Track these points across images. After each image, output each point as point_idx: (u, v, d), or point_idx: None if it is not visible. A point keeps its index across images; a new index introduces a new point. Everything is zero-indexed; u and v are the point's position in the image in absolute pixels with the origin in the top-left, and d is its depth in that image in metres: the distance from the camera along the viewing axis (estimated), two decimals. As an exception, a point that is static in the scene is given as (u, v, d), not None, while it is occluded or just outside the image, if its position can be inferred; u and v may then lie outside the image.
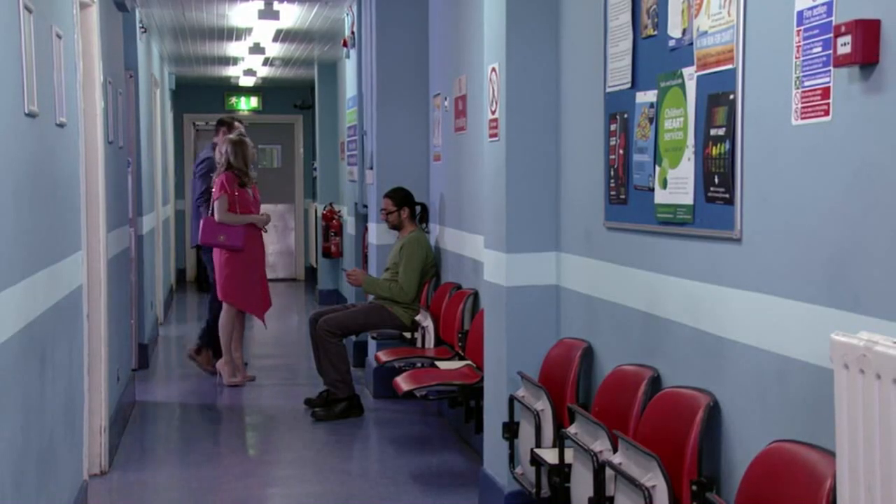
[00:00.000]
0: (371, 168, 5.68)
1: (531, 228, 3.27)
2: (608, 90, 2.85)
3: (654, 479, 2.18)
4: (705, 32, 2.29)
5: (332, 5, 6.70)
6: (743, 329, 2.17)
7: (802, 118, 1.94)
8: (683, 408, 2.29)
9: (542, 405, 2.93)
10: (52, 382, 3.01)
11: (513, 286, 3.28)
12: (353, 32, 6.35)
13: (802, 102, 1.94)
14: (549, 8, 3.25)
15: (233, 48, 8.77)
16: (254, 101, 12.09)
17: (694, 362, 2.40)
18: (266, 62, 9.65)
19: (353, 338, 5.79)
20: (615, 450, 2.41)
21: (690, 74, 2.37)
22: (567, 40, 3.21)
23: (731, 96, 2.19)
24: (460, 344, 4.36)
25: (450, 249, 4.92)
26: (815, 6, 1.89)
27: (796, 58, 1.95)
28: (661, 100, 2.52)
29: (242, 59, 9.44)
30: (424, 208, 5.28)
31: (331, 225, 9.10)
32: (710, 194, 2.29)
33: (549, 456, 2.80)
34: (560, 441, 2.74)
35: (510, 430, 3.14)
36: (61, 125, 3.26)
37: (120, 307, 4.88)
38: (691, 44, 2.36)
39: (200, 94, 11.78)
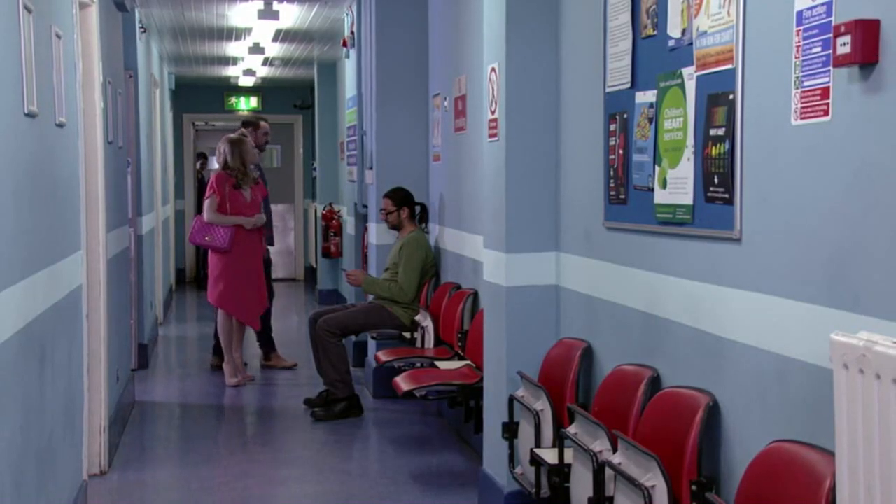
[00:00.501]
0: (371, 168, 5.68)
1: (531, 228, 3.27)
2: (608, 90, 2.85)
3: (654, 479, 2.18)
4: (705, 32, 2.29)
5: (331, 5, 6.70)
6: (743, 329, 2.17)
7: (802, 118, 1.94)
8: (683, 408, 2.29)
9: (542, 405, 2.93)
10: (52, 382, 3.01)
11: (512, 286, 3.28)
12: (352, 32, 6.35)
13: (802, 102, 1.94)
14: (549, 8, 3.25)
15: (232, 48, 8.77)
16: (253, 101, 12.09)
17: (693, 362, 2.40)
18: (266, 62, 9.65)
19: (353, 338, 5.79)
20: (615, 450, 2.41)
21: (690, 74, 2.37)
22: (567, 40, 3.21)
23: (731, 96, 2.19)
24: (460, 344, 4.36)
25: (449, 249, 4.92)
26: (815, 6, 1.89)
27: (796, 58, 1.95)
28: (660, 100, 2.52)
29: (242, 59, 9.44)
30: (424, 208, 5.28)
31: (330, 225, 9.10)
32: (709, 194, 2.29)
33: (549, 456, 2.80)
34: (560, 441, 2.74)
35: (510, 430, 3.14)
36: (61, 125, 3.26)
37: (119, 307, 4.88)
38: (691, 44, 2.36)
39: (200, 94, 11.78)
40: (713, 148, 2.26)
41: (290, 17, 7.12)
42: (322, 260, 9.36)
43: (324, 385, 5.06)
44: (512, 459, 3.17)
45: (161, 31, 7.80)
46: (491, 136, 3.43)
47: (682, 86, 2.41)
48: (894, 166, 1.71)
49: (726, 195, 2.22)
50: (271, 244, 6.30)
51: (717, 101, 2.24)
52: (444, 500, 3.75)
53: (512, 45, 3.25)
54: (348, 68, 6.89)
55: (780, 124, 2.01)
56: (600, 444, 2.49)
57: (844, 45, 1.76)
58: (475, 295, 4.37)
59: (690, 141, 2.37)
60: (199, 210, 10.17)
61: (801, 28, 1.93)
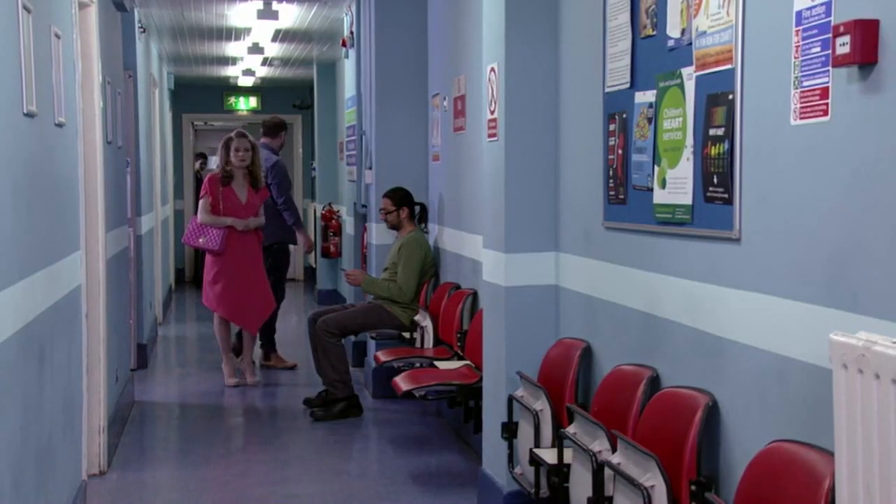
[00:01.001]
0: (370, 168, 5.68)
1: (530, 228, 3.27)
2: (607, 90, 2.85)
3: (653, 479, 2.18)
4: (704, 32, 2.30)
5: (330, 5, 6.70)
6: (742, 329, 2.17)
7: (801, 118, 1.94)
8: (682, 408, 2.29)
9: (541, 405, 2.93)
10: (51, 382, 3.01)
11: (512, 286, 3.28)
12: (352, 32, 6.35)
13: (801, 102, 1.94)
14: (549, 8, 3.25)
15: (232, 48, 8.77)
16: (253, 101, 12.09)
17: (693, 362, 2.40)
18: (265, 62, 9.64)
19: (352, 338, 5.79)
20: (614, 450, 2.41)
21: (689, 74, 2.37)
22: (566, 40, 3.21)
23: (730, 96, 2.19)
24: (459, 344, 4.36)
25: (449, 249, 4.92)
26: (814, 6, 1.89)
27: (795, 58, 1.95)
28: (659, 100, 2.52)
29: (241, 58, 9.43)
30: (423, 208, 5.28)
31: (330, 225, 9.09)
32: (708, 194, 2.29)
33: (548, 456, 2.80)
34: (559, 441, 2.74)
35: (509, 430, 3.14)
36: (60, 125, 3.25)
37: (119, 307, 4.88)
38: (690, 44, 2.36)
39: (199, 94, 11.78)
40: (712, 148, 2.27)
41: (290, 17, 7.12)
42: (321, 260, 9.36)
43: (323, 385, 5.06)
44: (511, 459, 3.17)
45: (160, 30, 7.79)
46: (490, 136, 3.43)
47: (681, 86, 2.41)
48: (893, 166, 1.71)
49: (725, 195, 2.22)
50: (293, 243, 6.31)
51: (717, 101, 2.24)
52: (443, 500, 3.75)
53: (511, 45, 3.25)
54: (347, 68, 6.89)
55: (779, 124, 2.01)
56: (599, 444, 2.49)
57: (844, 45, 1.76)
58: (474, 295, 4.37)
59: (690, 141, 2.37)
60: (197, 210, 10.16)
61: (801, 28, 1.93)
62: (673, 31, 2.46)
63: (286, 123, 6.53)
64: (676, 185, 2.44)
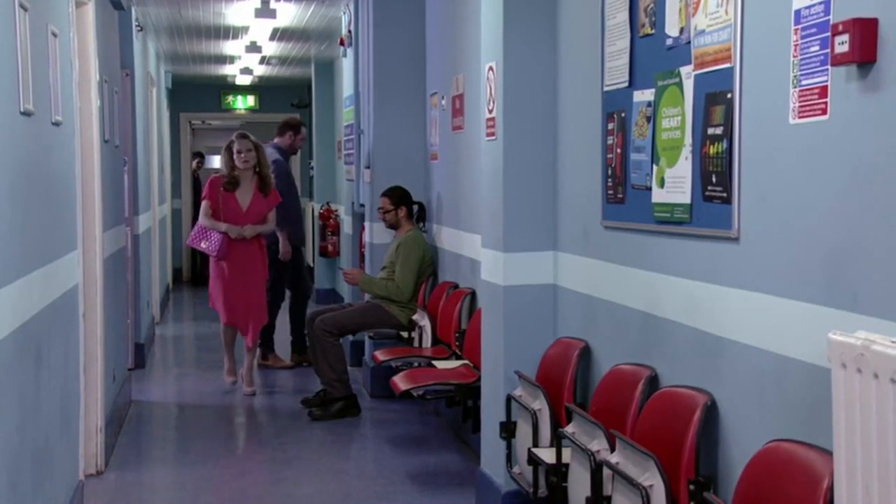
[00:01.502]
0: (368, 167, 5.67)
1: (528, 227, 3.26)
2: (605, 89, 2.84)
3: (652, 479, 2.18)
4: (703, 31, 2.29)
5: (328, 4, 6.69)
6: (741, 328, 2.16)
7: (800, 117, 1.94)
8: (681, 407, 2.29)
9: (540, 405, 2.92)
10: (48, 382, 3.00)
11: (510, 285, 3.27)
12: (350, 31, 6.34)
13: (800, 101, 1.93)
14: (547, 6, 3.24)
15: (229, 47, 8.76)
16: (250, 100, 12.07)
17: (691, 362, 2.39)
18: (263, 61, 9.63)
19: (350, 337, 5.78)
20: (612, 449, 2.41)
21: (688, 73, 2.36)
22: (564, 39, 3.20)
23: (729, 95, 2.19)
24: (457, 343, 4.36)
25: (447, 248, 4.92)
26: (813, 5, 1.89)
27: (794, 56, 1.94)
28: (658, 99, 2.52)
29: (239, 57, 9.42)
30: (422, 207, 5.27)
31: (327, 224, 9.08)
32: (707, 193, 2.29)
33: (547, 455, 2.80)
34: (557, 440, 2.74)
35: (507, 429, 3.13)
36: (57, 124, 3.24)
37: (116, 306, 4.87)
38: (689, 42, 2.36)
39: (197, 93, 11.76)
40: (711, 147, 2.26)
41: (288, 15, 7.11)
42: (319, 259, 9.35)
43: (321, 385, 5.05)
44: (509, 459, 3.17)
45: (158, 29, 7.78)
46: (489, 135, 3.42)
47: (679, 84, 2.40)
48: (892, 165, 1.71)
49: (724, 194, 2.21)
50: (302, 244, 6.26)
51: (715, 99, 2.24)
52: (441, 500, 3.74)
53: (509, 44, 3.24)
54: (346, 67, 6.88)
55: (778, 123, 2.01)
56: (598, 444, 2.48)
57: (842, 44, 1.76)
58: (473, 294, 4.37)
59: (688, 140, 2.37)
60: (195, 210, 10.13)
61: (799, 27, 1.93)
62: (671, 29, 2.45)
63: (295, 123, 6.33)
64: (675, 184, 2.44)
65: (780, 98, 1.99)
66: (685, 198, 2.38)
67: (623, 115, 2.73)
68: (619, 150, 2.76)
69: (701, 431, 2.22)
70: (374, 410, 5.12)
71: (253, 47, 8.48)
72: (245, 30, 7.78)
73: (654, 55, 2.54)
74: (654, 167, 2.55)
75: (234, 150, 5.35)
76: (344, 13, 6.67)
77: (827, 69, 1.85)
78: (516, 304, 3.27)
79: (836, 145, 1.85)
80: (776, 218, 2.04)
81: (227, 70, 10.52)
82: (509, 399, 3.13)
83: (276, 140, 6.28)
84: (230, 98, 12.02)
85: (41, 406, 2.89)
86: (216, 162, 14.42)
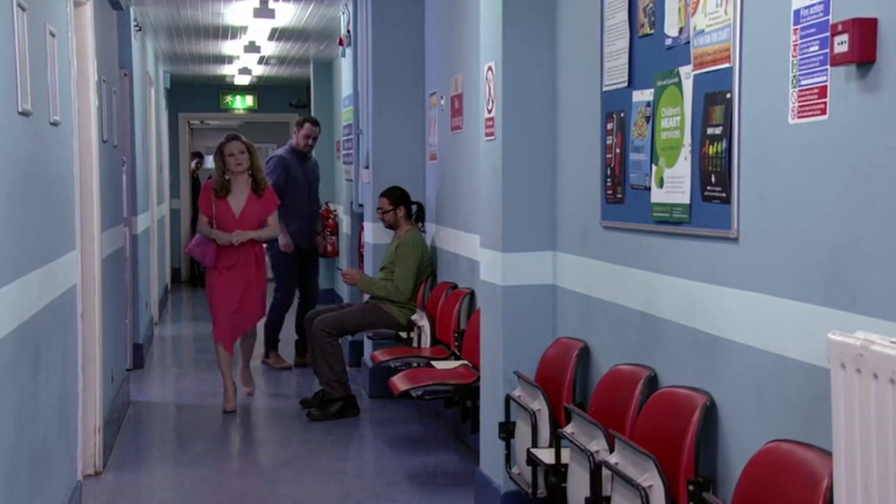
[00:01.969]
0: (367, 167, 5.67)
1: (527, 228, 3.26)
2: (605, 89, 2.84)
3: (651, 479, 2.18)
4: (702, 31, 2.29)
5: (327, 3, 6.69)
6: (740, 329, 2.16)
7: (799, 117, 1.94)
8: (680, 407, 2.29)
9: (539, 405, 2.92)
10: (46, 382, 3.00)
11: (509, 286, 3.27)
12: (348, 31, 6.34)
13: (799, 101, 1.93)
14: (546, 6, 3.24)
15: (228, 47, 8.75)
16: (249, 100, 12.06)
17: (691, 362, 2.39)
18: (261, 61, 9.63)
19: (349, 337, 5.78)
20: (612, 450, 2.41)
21: (687, 73, 2.36)
22: (563, 39, 3.20)
23: (728, 95, 2.18)
24: (456, 344, 4.35)
25: (446, 249, 4.91)
26: (812, 5, 1.89)
27: (793, 56, 1.94)
28: (657, 99, 2.52)
29: (238, 57, 9.42)
30: (420, 207, 5.27)
31: (326, 224, 9.08)
32: (706, 193, 2.28)
33: (546, 456, 2.79)
34: (556, 441, 2.73)
35: (506, 429, 3.13)
36: (55, 124, 3.24)
37: (114, 307, 4.86)
38: (688, 42, 2.36)
39: (195, 93, 11.75)
40: (710, 147, 2.26)
41: (286, 15, 7.10)
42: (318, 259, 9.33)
43: (320, 385, 5.05)
44: (508, 459, 3.16)
45: (156, 29, 7.78)
46: (488, 134, 3.42)
47: (679, 84, 2.40)
48: (892, 165, 1.71)
49: (723, 194, 2.21)
50: (305, 244, 6.01)
51: (715, 99, 2.24)
52: (440, 500, 3.74)
53: (509, 44, 3.24)
54: (344, 67, 6.88)
55: (777, 123, 2.01)
56: (597, 444, 2.48)
57: (842, 44, 1.75)
58: (472, 294, 4.36)
59: (687, 140, 2.36)
60: (194, 210, 10.09)
61: (799, 27, 1.93)
62: (671, 29, 2.45)
63: (299, 120, 6.22)
64: (674, 184, 2.43)
65: (780, 98, 1.99)
66: (684, 198, 2.38)
67: (622, 115, 2.73)
68: (618, 150, 2.76)
69: (700, 432, 2.22)
70: (372, 411, 5.12)
71: (251, 47, 8.47)
72: (244, 30, 7.77)
73: (654, 55, 2.53)
74: (654, 167, 2.54)
75: (226, 154, 5.02)
76: (343, 13, 6.66)
77: (826, 69, 1.85)
78: (515, 304, 3.26)
79: (835, 145, 1.85)
80: (775, 218, 2.04)
81: (226, 70, 10.51)
82: (508, 399, 3.13)
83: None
84: (229, 98, 12.01)
85: (39, 406, 2.89)
86: (212, 162, 14.42)
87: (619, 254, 2.80)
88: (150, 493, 4.02)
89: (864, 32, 1.72)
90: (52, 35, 3.19)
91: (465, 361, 4.17)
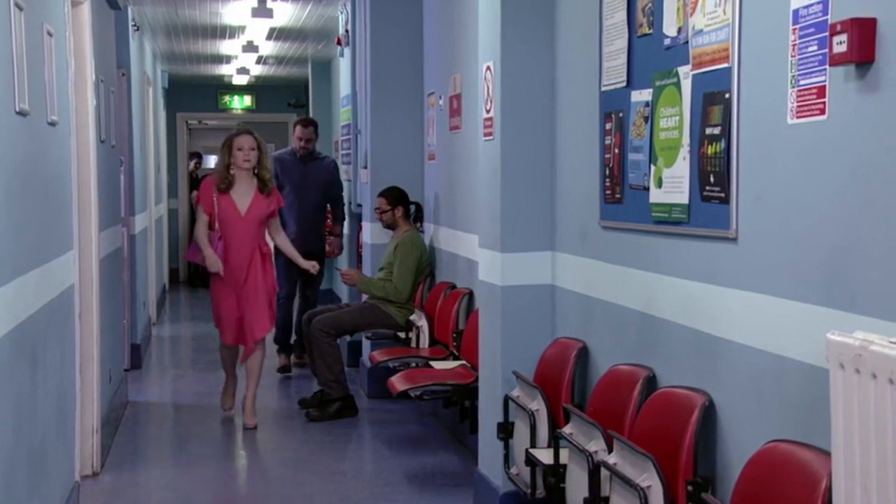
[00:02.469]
0: (365, 167, 5.66)
1: (526, 228, 3.26)
2: (603, 89, 2.84)
3: (650, 480, 2.18)
4: (701, 31, 2.29)
5: (325, 3, 6.68)
6: (739, 329, 2.16)
7: (798, 117, 1.93)
8: (679, 408, 2.29)
9: (537, 405, 2.92)
10: (44, 382, 2.99)
11: (508, 286, 3.27)
12: (347, 31, 6.34)
13: (798, 101, 1.93)
14: (545, 6, 3.24)
15: (226, 46, 8.75)
16: (247, 100, 12.06)
17: (689, 362, 2.39)
18: (259, 60, 9.62)
19: (348, 338, 5.77)
20: (610, 450, 2.40)
21: (686, 73, 2.36)
22: (562, 39, 3.20)
23: (727, 95, 2.18)
24: (455, 344, 4.35)
25: (444, 249, 4.91)
26: (811, 4, 1.88)
27: (792, 56, 1.94)
28: (656, 98, 2.52)
29: (236, 57, 9.41)
30: (419, 207, 5.26)
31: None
32: (705, 193, 2.28)
33: (545, 456, 2.79)
34: (555, 441, 2.73)
35: (505, 430, 3.13)
36: (53, 124, 3.23)
37: (112, 307, 4.85)
38: (686, 42, 2.36)
39: (193, 93, 11.74)
40: (709, 147, 2.26)
41: (284, 15, 7.10)
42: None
43: (318, 385, 5.04)
44: (507, 460, 3.16)
45: (154, 29, 7.77)
46: (486, 134, 3.42)
47: (677, 84, 2.40)
48: (890, 165, 1.71)
49: (722, 194, 2.21)
50: (304, 248, 5.42)
51: (713, 99, 2.24)
52: (439, 501, 3.74)
53: (507, 44, 3.24)
54: (343, 67, 6.87)
55: (776, 123, 2.01)
56: (596, 445, 2.48)
57: (841, 44, 1.75)
58: (470, 294, 4.36)
59: (686, 140, 2.36)
60: (192, 211, 10.03)
61: (798, 26, 1.93)
62: (669, 29, 2.45)
63: (295, 121, 6.12)
64: (673, 184, 2.43)
65: (779, 98, 1.98)
66: (683, 198, 2.38)
67: (621, 115, 2.73)
68: (616, 151, 2.76)
69: (699, 432, 2.21)
70: (371, 411, 5.11)
71: (250, 47, 8.47)
72: (242, 29, 7.77)
73: (652, 55, 2.53)
74: (652, 167, 2.54)
75: (235, 147, 4.63)
76: (341, 13, 6.66)
77: (825, 69, 1.85)
78: (514, 304, 3.26)
79: (834, 145, 1.84)
80: (774, 218, 2.04)
81: (224, 70, 10.50)
82: (507, 399, 3.12)
83: None
84: (227, 98, 12.01)
85: (37, 407, 2.88)
86: (210, 162, 14.41)
87: (617, 254, 2.80)
88: (147, 494, 4.01)
89: (863, 32, 1.72)
90: (50, 35, 3.19)
91: (464, 361, 4.16)
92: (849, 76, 1.78)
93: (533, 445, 2.88)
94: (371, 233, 5.56)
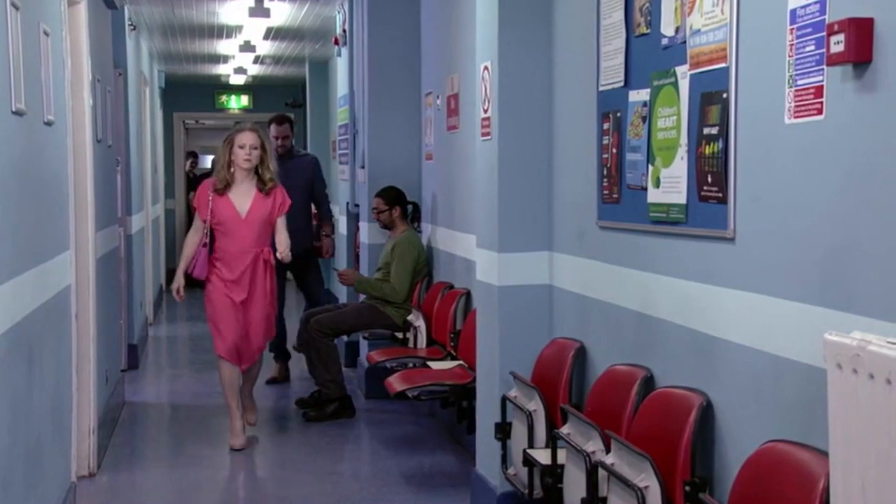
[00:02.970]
0: (363, 167, 5.66)
1: (524, 228, 3.25)
2: (601, 89, 2.84)
3: (647, 480, 2.17)
4: (698, 31, 2.29)
5: (323, 3, 6.68)
6: (736, 329, 2.16)
7: (795, 117, 1.93)
8: (676, 408, 2.29)
9: (535, 405, 2.92)
10: (40, 383, 2.98)
11: (505, 286, 3.27)
12: (344, 30, 6.33)
13: (796, 101, 1.93)
14: (542, 6, 3.23)
15: (223, 46, 8.74)
16: (244, 100, 12.05)
17: (687, 362, 2.39)
18: (257, 60, 9.61)
19: (345, 338, 5.77)
20: (608, 450, 2.40)
21: (683, 73, 2.36)
22: (560, 39, 3.20)
23: (725, 95, 2.18)
24: (452, 344, 4.35)
25: (442, 249, 4.91)
26: (808, 4, 1.88)
27: (789, 56, 1.94)
28: (654, 98, 2.51)
29: (233, 57, 9.40)
30: (416, 207, 5.26)
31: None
32: (703, 193, 2.28)
33: (542, 457, 2.79)
34: (553, 441, 2.73)
35: (503, 430, 3.12)
36: (49, 123, 3.23)
37: (109, 307, 4.84)
38: (684, 42, 2.36)
39: (190, 93, 11.73)
40: (707, 147, 2.26)
41: (282, 14, 7.09)
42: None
43: (316, 385, 5.03)
44: (505, 460, 3.16)
45: (151, 28, 7.76)
46: (484, 134, 3.42)
47: (675, 84, 2.40)
48: (888, 165, 1.70)
49: (720, 194, 2.21)
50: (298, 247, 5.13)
51: (711, 99, 2.24)
52: (436, 501, 3.73)
53: (505, 44, 3.23)
54: (340, 66, 6.87)
55: (773, 123, 2.01)
56: (593, 445, 2.48)
57: (838, 44, 1.75)
58: (468, 295, 4.36)
59: (684, 140, 2.36)
60: (189, 212, 9.96)
61: (795, 26, 1.93)
62: (667, 29, 2.45)
63: (270, 119, 5.64)
64: (670, 184, 2.43)
65: (776, 98, 1.98)
66: (681, 198, 2.38)
67: (618, 114, 2.72)
68: (614, 150, 2.75)
69: (696, 432, 2.21)
70: (368, 411, 5.11)
71: (247, 46, 8.46)
72: (239, 29, 7.76)
73: (650, 55, 2.53)
74: (650, 167, 2.54)
75: (237, 144, 4.21)
76: (338, 12, 6.65)
77: (822, 69, 1.85)
78: (511, 304, 3.26)
79: (831, 145, 1.84)
80: (772, 218, 2.04)
81: (221, 69, 10.49)
82: (504, 400, 3.12)
83: None
84: (224, 98, 12.00)
85: (33, 407, 2.87)
86: (207, 162, 14.39)
87: (615, 254, 2.80)
88: (144, 495, 4.00)
89: (861, 32, 1.72)
90: (46, 34, 3.18)
91: (462, 362, 4.16)
92: (846, 76, 1.78)
93: (530, 446, 2.88)
94: (368, 233, 5.56)
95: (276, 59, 9.60)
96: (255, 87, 11.92)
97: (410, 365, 4.44)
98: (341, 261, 7.26)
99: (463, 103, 4.40)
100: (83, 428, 3.90)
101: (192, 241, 4.31)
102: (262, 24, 7.39)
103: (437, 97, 4.93)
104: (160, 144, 10.37)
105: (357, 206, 6.02)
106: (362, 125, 5.68)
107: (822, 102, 1.86)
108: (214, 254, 4.27)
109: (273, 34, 8.00)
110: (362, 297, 5.17)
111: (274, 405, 5.38)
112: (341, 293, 6.63)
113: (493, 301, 3.32)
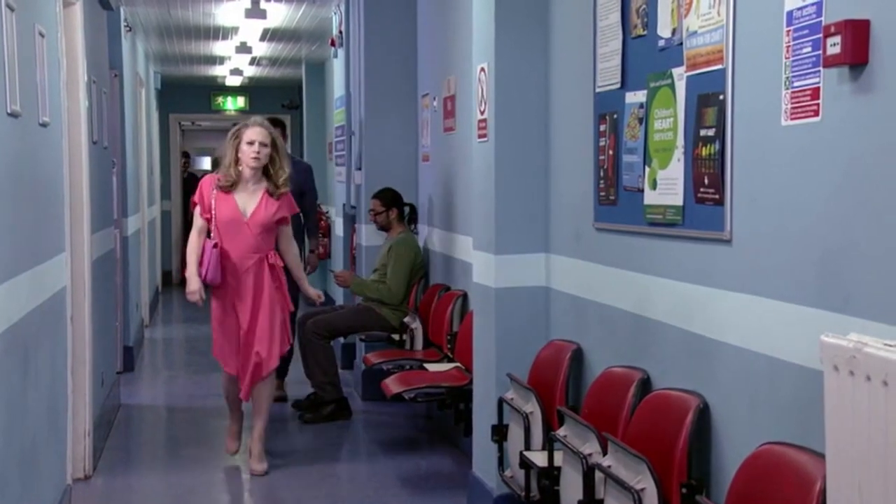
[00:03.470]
0: (359, 169, 5.65)
1: (520, 229, 3.25)
2: (598, 90, 2.84)
3: (644, 482, 2.17)
4: (695, 32, 2.29)
5: (319, 4, 6.67)
6: (733, 331, 2.16)
7: (792, 118, 1.93)
8: (673, 410, 2.28)
9: (532, 407, 2.91)
10: (35, 385, 2.97)
11: (502, 288, 3.26)
12: (340, 32, 6.33)
13: (792, 103, 1.93)
14: (539, 8, 3.23)
15: (219, 47, 8.73)
16: (241, 101, 12.04)
17: (684, 364, 2.39)
18: (253, 62, 9.61)
19: (342, 340, 5.76)
20: (605, 452, 2.40)
21: (680, 74, 2.36)
22: (556, 40, 3.20)
23: (721, 97, 2.18)
24: (449, 346, 4.34)
25: (438, 251, 4.90)
26: (805, 6, 1.89)
27: (786, 58, 1.94)
28: (650, 100, 2.51)
29: (229, 58, 9.39)
30: (413, 209, 5.26)
31: (319, 226, 9.05)
32: (699, 195, 2.28)
33: (539, 459, 2.79)
34: (549, 444, 2.73)
35: (499, 432, 3.12)
36: (44, 125, 3.22)
37: (105, 309, 4.83)
38: (681, 44, 2.36)
39: (186, 94, 11.72)
40: (703, 148, 2.26)
41: (278, 16, 7.09)
42: (310, 261, 9.30)
43: (312, 388, 5.03)
44: (501, 462, 3.15)
45: (147, 29, 7.74)
46: (480, 136, 3.41)
47: (672, 86, 2.40)
48: (884, 167, 1.71)
49: (716, 196, 2.21)
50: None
51: (708, 101, 2.24)
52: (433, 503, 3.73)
53: (501, 45, 3.23)
54: (336, 68, 6.87)
55: (770, 125, 2.01)
56: (590, 447, 2.47)
57: (835, 46, 1.75)
58: (464, 296, 4.35)
59: (680, 141, 2.36)
60: (186, 212, 9.93)
61: (792, 28, 1.93)
62: (664, 30, 2.45)
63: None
64: (667, 185, 2.43)
65: (773, 99, 1.98)
66: (677, 199, 2.38)
67: (615, 116, 2.72)
68: (611, 152, 2.75)
69: (693, 434, 2.21)
70: (365, 413, 5.10)
71: (243, 48, 8.45)
72: (235, 30, 7.75)
73: (647, 56, 2.53)
74: (647, 169, 2.54)
75: (244, 140, 3.84)
76: (334, 14, 6.65)
77: (819, 71, 1.85)
78: (508, 306, 3.26)
79: (828, 147, 1.84)
80: (768, 220, 2.04)
81: (217, 71, 10.48)
82: (501, 402, 3.12)
83: None
84: (220, 99, 11.98)
85: (28, 409, 2.86)
86: (204, 164, 14.35)
87: (612, 256, 2.80)
88: (140, 497, 3.99)
89: (857, 34, 1.72)
90: (42, 35, 3.17)
91: (458, 364, 4.16)
92: (843, 78, 1.78)
93: (527, 448, 2.88)
94: (365, 234, 5.56)
95: (273, 61, 9.59)
96: (251, 89, 11.91)
97: (407, 367, 4.43)
98: (338, 262, 7.25)
99: (459, 105, 4.40)
100: (78, 430, 3.89)
101: (196, 241, 3.94)
102: (258, 26, 7.38)
103: (434, 99, 4.93)
104: (156, 146, 10.35)
105: (354, 207, 6.02)
106: (359, 127, 5.67)
107: (818, 104, 1.86)
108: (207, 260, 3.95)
109: (269, 35, 8.00)
110: (359, 298, 5.17)
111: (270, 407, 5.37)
112: (338, 295, 6.62)
113: (489, 303, 3.32)
